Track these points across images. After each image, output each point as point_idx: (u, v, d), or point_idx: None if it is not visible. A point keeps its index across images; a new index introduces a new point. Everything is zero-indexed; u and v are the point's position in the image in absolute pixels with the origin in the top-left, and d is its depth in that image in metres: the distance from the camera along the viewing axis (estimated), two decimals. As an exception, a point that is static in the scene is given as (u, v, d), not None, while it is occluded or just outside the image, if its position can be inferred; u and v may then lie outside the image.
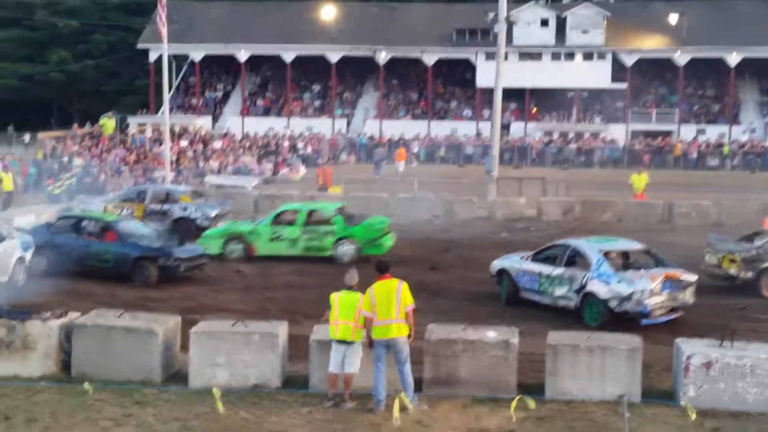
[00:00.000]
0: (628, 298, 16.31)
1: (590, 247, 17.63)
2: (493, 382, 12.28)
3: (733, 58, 60.30)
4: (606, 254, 17.22)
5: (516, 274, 18.54)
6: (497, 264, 19.26)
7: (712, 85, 64.91)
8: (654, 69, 63.86)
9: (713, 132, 60.96)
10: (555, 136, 61.45)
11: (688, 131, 61.18)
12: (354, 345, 11.90)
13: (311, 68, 67.16)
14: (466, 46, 63.55)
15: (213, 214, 26.99)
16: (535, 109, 64.29)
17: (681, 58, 61.15)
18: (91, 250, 20.98)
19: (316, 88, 68.33)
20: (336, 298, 12.01)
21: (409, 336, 11.83)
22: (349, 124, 65.15)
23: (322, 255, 23.30)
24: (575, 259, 17.70)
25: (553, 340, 12.54)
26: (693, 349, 12.03)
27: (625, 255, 17.91)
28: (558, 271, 17.61)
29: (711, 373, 11.78)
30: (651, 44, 62.33)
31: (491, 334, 12.69)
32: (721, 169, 55.23)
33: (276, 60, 65.38)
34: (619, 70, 62.22)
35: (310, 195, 33.57)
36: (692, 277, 17.18)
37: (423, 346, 12.56)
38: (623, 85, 62.55)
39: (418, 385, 12.17)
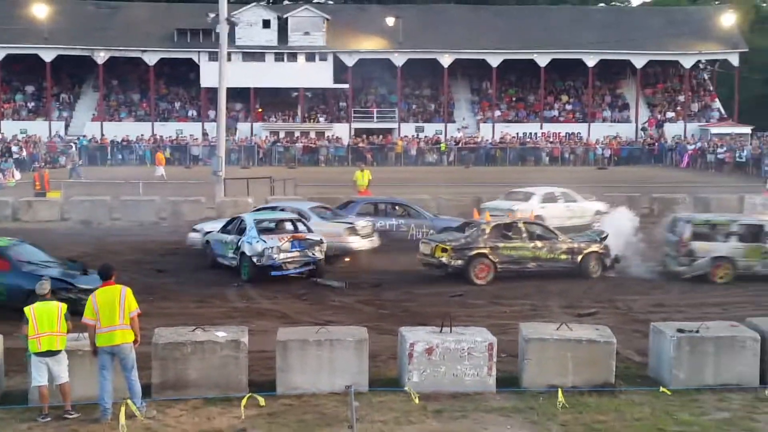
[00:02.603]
0: (262, 254, 20.17)
1: (250, 217, 21.69)
2: (224, 382, 12.17)
3: (446, 60, 63.57)
4: (258, 222, 21.24)
5: (213, 243, 22.22)
6: (200, 236, 23.17)
7: (428, 85, 68.11)
8: (374, 70, 65.98)
9: (430, 130, 64.07)
10: (281, 135, 62.06)
11: (407, 129, 63.84)
12: (60, 354, 11.44)
13: (23, 68, 63.62)
14: (188, 46, 62.75)
15: None
16: (260, 109, 64.55)
17: (398, 59, 63.65)
18: None
19: (30, 89, 64.82)
20: (32, 310, 11.46)
21: (135, 342, 11.50)
22: (67, 126, 62.34)
23: None
24: (242, 227, 21.31)
25: (283, 335, 12.63)
26: (416, 337, 12.52)
27: (275, 223, 21.91)
28: (230, 237, 21.41)
29: (433, 358, 12.31)
30: (370, 46, 64.42)
31: (221, 334, 12.57)
32: (440, 165, 58.08)
33: (-18, 59, 61.45)
34: (341, 71, 63.79)
35: (26, 200, 31.84)
36: (317, 237, 20.84)
37: (151, 351, 12.25)
38: (345, 86, 64.21)
39: (147, 391, 11.85)
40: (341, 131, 63.02)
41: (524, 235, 20.79)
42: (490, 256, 20.25)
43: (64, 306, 11.72)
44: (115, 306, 11.31)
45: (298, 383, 12.23)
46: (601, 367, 12.56)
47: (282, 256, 20.31)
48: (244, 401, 11.20)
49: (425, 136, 62.86)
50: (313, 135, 62.16)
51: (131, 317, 11.41)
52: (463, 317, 16.29)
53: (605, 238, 21.20)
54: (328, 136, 62.00)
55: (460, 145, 61.20)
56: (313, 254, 20.64)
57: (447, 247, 20.20)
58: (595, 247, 21.00)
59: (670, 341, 12.65)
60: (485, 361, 12.34)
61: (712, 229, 21.13)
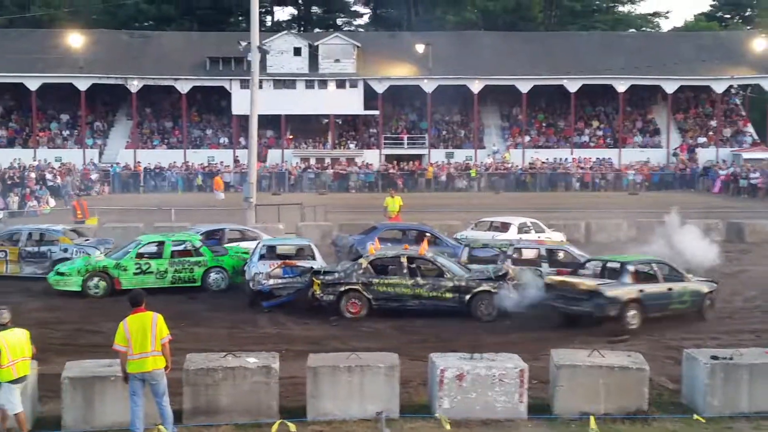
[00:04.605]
0: (253, 278, 20.63)
1: (262, 242, 22.80)
2: (255, 408, 12.23)
3: (476, 86, 63.65)
4: (265, 247, 22.16)
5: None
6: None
7: (458, 111, 68.17)
8: (404, 96, 66.25)
9: (461, 155, 64.01)
10: (312, 161, 62.34)
11: (437, 155, 63.89)
12: (26, 379, 11.71)
13: (59, 97, 64.48)
14: (220, 74, 63.35)
15: (97, 253, 24.05)
16: (291, 135, 64.94)
17: (428, 85, 63.82)
18: None
19: (65, 117, 65.65)
20: (2, 340, 11.46)
21: (166, 368, 11.58)
22: (101, 154, 63.06)
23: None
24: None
25: (313, 362, 12.66)
26: (446, 363, 12.51)
27: (275, 249, 22.49)
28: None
29: (463, 384, 12.29)
30: (400, 72, 64.66)
31: (252, 360, 12.63)
32: (470, 190, 58.01)
33: (20, 88, 62.31)
34: (371, 98, 64.06)
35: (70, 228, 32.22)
36: (308, 265, 21.02)
37: (182, 377, 12.32)
38: (376, 112, 64.47)
39: (178, 417, 11.91)
40: (371, 157, 63.20)
41: (405, 271, 19.85)
42: (364, 293, 19.60)
43: (28, 332, 11.92)
44: (146, 332, 11.40)
45: (328, 409, 12.25)
46: (633, 394, 12.47)
47: (272, 281, 20.47)
48: (275, 427, 11.22)
49: (455, 162, 62.86)
50: (343, 161, 62.40)
51: (162, 343, 11.50)
52: (493, 344, 16.22)
53: (503, 276, 19.93)
54: (358, 163, 62.19)
55: (490, 170, 61.16)
56: (305, 281, 20.33)
57: (319, 282, 19.72)
58: (486, 286, 19.55)
59: (703, 368, 12.54)
60: (516, 387, 12.29)
61: None
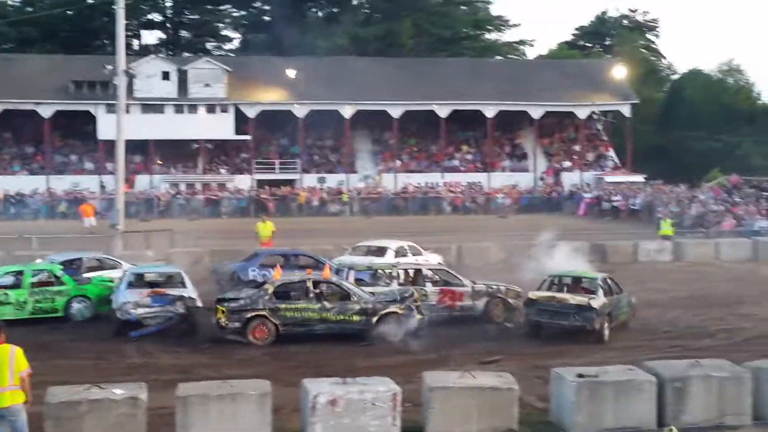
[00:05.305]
0: (120, 308, 20.13)
1: (131, 270, 22.21)
2: (122, 442, 11.82)
3: (347, 111, 64.05)
4: (134, 275, 21.54)
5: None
6: None
7: (330, 136, 68.36)
8: (276, 121, 66.01)
9: (333, 180, 64.20)
10: (182, 187, 61.33)
11: (309, 180, 63.89)
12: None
13: None
14: (85, 98, 61.78)
15: None
16: (160, 161, 63.76)
17: (300, 110, 63.87)
18: None
19: None
20: None
21: (26, 402, 11.07)
22: (-42, 180, 60.48)
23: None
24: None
25: (183, 391, 12.33)
26: (319, 389, 12.38)
27: (147, 277, 22.02)
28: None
29: (336, 409, 12.18)
30: (272, 97, 64.51)
31: (118, 391, 12.21)
32: (342, 215, 58.13)
33: None
34: (242, 122, 63.63)
35: None
36: (178, 292, 20.55)
37: (44, 410, 11.80)
38: (247, 137, 64.06)
39: (40, 453, 11.40)
40: (243, 183, 62.67)
41: (311, 295, 19.82)
42: (271, 318, 19.37)
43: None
44: (3, 366, 10.88)
45: (199, 440, 11.94)
46: (504, 414, 12.62)
47: (140, 311, 19.98)
48: (142, 460, 10.85)
49: (327, 187, 62.97)
50: (214, 186, 61.61)
51: (21, 377, 10.99)
52: (368, 367, 16.19)
53: (408, 297, 20.25)
54: (229, 188, 61.52)
55: (362, 195, 61.47)
56: (176, 309, 20.06)
57: (224, 309, 19.45)
58: (393, 308, 19.77)
59: (570, 386, 12.81)
60: (389, 411, 12.25)
61: None
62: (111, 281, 22.85)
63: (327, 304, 19.77)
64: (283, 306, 19.57)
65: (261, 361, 17.85)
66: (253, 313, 19.39)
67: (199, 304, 20.60)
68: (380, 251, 28.34)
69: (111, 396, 12.02)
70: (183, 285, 21.43)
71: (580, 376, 12.94)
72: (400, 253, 28.18)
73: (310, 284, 20.10)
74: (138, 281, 21.55)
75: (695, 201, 49.95)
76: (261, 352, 18.58)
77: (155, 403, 12.92)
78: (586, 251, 31.56)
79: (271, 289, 19.89)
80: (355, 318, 19.71)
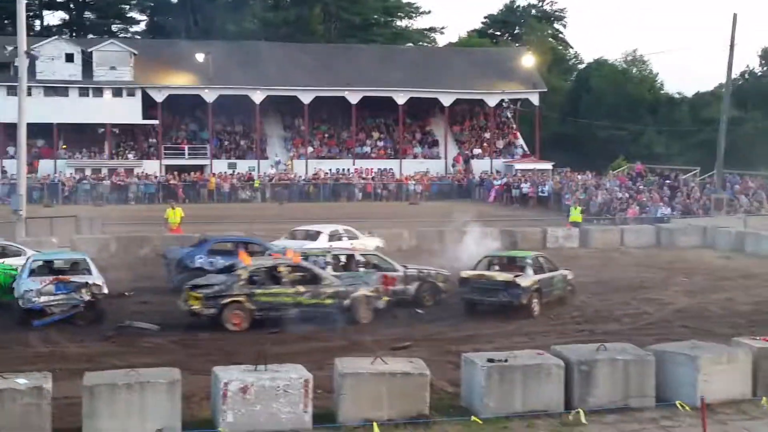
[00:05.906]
0: (22, 296, 19.52)
1: (33, 257, 21.63)
2: (27, 432, 11.53)
3: (258, 96, 63.51)
4: (36, 262, 21.04)
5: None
6: None
7: (240, 121, 67.72)
8: (185, 106, 65.04)
9: (243, 166, 63.62)
10: (88, 172, 60.03)
11: (220, 166, 63.19)
12: None
13: None
14: (-15, 79, 59.83)
15: None
16: (64, 145, 62.23)
17: (209, 95, 63.07)
18: None
19: None
20: None
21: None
22: None
23: None
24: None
25: (89, 380, 12.07)
26: (229, 376, 12.27)
27: (51, 264, 21.35)
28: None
29: (247, 397, 12.10)
30: (180, 81, 63.53)
31: (22, 381, 11.90)
32: (254, 201, 57.69)
33: None
34: (150, 107, 62.53)
35: None
36: (83, 279, 20.02)
37: (-57, 403, 11.43)
38: (155, 122, 63.00)
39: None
40: (151, 168, 61.60)
41: (285, 280, 19.84)
42: (246, 304, 19.31)
43: None
44: None
45: (105, 429, 11.71)
46: (415, 399, 12.70)
47: (43, 299, 19.51)
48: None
49: (238, 173, 62.38)
50: (121, 172, 60.41)
51: None
52: (278, 355, 16.09)
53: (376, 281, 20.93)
54: (137, 174, 60.41)
55: (273, 181, 61.09)
56: (81, 297, 19.68)
57: (198, 296, 19.32)
58: (364, 290, 20.30)
59: (480, 371, 12.96)
60: (301, 398, 12.23)
61: None
62: (14, 269, 22.20)
63: (301, 288, 19.84)
64: (258, 291, 19.53)
65: (169, 349, 17.60)
66: (230, 299, 19.29)
67: (105, 290, 20.22)
68: (314, 235, 28.24)
69: (14, 386, 11.70)
70: (88, 272, 20.98)
71: (490, 360, 13.10)
72: (334, 237, 28.23)
73: (283, 269, 20.12)
74: (41, 268, 21.03)
75: (601, 188, 51.03)
76: (168, 340, 18.32)
77: (61, 392, 12.66)
78: (497, 237, 31.99)
79: (245, 275, 19.75)
80: (328, 301, 19.94)
